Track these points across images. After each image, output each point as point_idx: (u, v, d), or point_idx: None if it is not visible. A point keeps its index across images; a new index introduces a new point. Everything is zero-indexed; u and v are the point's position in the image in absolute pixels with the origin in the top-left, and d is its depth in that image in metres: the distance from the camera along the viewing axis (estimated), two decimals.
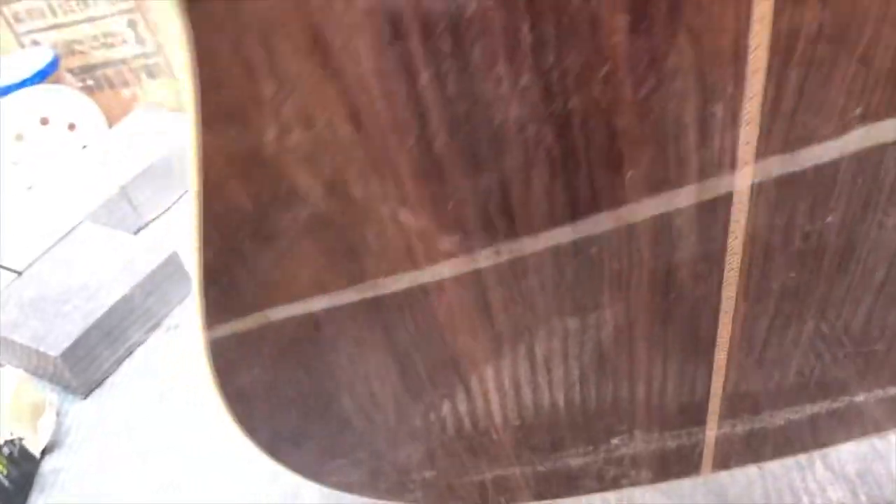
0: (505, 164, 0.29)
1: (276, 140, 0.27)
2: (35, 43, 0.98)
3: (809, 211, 0.32)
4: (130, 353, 0.71)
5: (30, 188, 0.89)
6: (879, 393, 0.45)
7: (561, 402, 0.41)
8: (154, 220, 0.87)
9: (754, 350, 0.39)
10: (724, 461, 0.50)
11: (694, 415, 0.44)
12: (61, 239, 0.77)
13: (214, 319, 0.34)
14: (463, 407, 0.40)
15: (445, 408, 0.40)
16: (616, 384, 0.40)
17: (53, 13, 0.94)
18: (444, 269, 0.32)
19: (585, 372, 0.39)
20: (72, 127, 0.97)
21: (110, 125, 0.98)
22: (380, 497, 0.48)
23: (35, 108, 0.94)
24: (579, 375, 0.39)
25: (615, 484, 0.51)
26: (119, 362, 0.70)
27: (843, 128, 0.29)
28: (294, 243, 0.31)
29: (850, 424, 0.48)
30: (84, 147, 0.96)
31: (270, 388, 0.37)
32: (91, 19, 0.93)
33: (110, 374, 0.69)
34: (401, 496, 0.48)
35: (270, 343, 0.35)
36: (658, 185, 0.30)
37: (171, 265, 0.72)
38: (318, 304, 0.33)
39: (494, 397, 0.40)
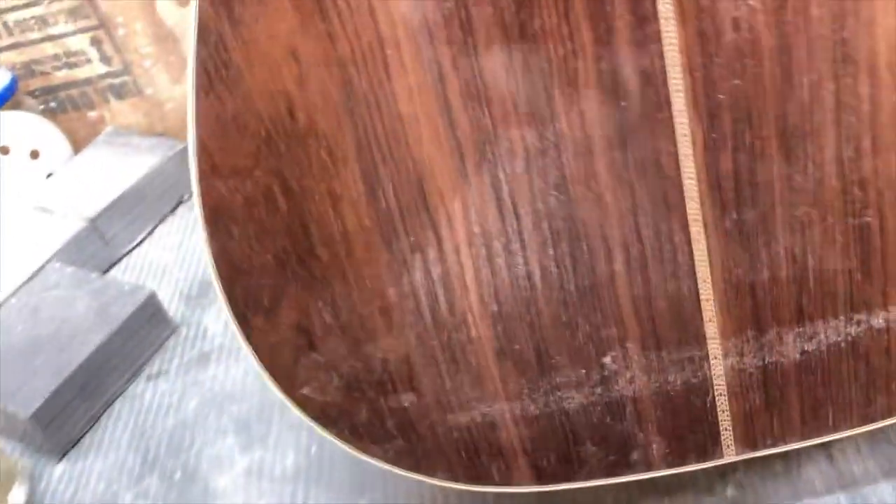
0: None
1: None
2: None
3: None
4: (109, 406, 0.65)
5: None
6: None
7: (537, 275, 0.40)
8: (127, 253, 0.80)
9: (728, 207, 0.39)
10: (747, 433, 0.44)
11: (689, 320, 0.41)
12: (27, 282, 0.71)
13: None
14: (436, 270, 0.40)
15: (418, 270, 0.40)
16: (591, 249, 0.39)
17: (10, 32, 0.87)
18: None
19: (555, 226, 0.39)
20: (34, 154, 0.90)
21: (76, 151, 0.91)
22: (357, 442, 0.44)
23: None
24: (549, 230, 0.39)
25: (626, 465, 0.44)
26: (96, 417, 0.65)
27: None
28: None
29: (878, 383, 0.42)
30: (48, 176, 0.89)
31: (248, 214, 0.39)
32: (51, 38, 0.87)
33: (87, 431, 0.64)
34: (379, 441, 0.44)
35: (249, 141, 0.38)
36: None
37: (150, 307, 0.67)
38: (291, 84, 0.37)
39: (466, 257, 0.40)
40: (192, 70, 0.37)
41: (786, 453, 0.52)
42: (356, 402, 0.43)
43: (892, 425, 0.53)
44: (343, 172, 0.39)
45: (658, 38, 0.36)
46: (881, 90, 0.37)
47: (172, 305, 0.72)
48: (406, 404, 0.43)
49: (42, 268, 0.73)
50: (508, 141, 0.38)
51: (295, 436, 0.60)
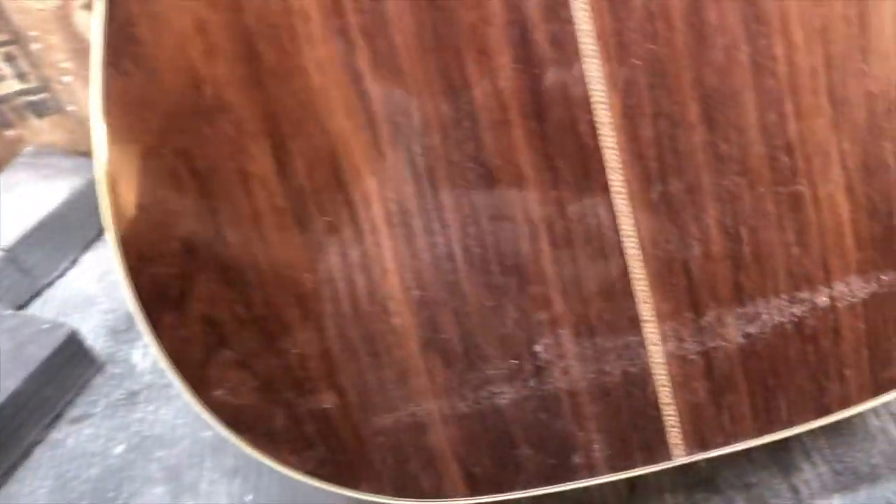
0: None
1: None
2: None
3: None
4: (27, 454, 0.60)
5: None
6: (848, 289, 0.39)
7: (459, 256, 0.38)
8: (49, 285, 0.75)
9: (652, 178, 0.37)
10: (696, 429, 0.40)
11: (621, 301, 0.39)
12: None
13: None
14: (353, 252, 0.38)
15: (334, 253, 0.38)
16: (513, 226, 0.38)
17: None
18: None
19: (475, 201, 0.37)
20: None
21: None
22: (275, 451, 0.40)
23: None
24: (469, 206, 0.38)
25: (567, 469, 0.41)
26: (14, 468, 0.60)
27: None
28: None
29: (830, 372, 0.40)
30: None
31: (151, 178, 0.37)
32: None
33: (3, 483, 0.59)
34: (298, 449, 0.40)
35: (155, 118, 0.37)
36: None
37: (70, 346, 0.63)
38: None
39: (385, 238, 0.38)
40: (98, 45, 0.37)
41: (748, 489, 0.49)
42: (272, 405, 0.40)
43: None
44: (252, 149, 0.37)
45: (567, 3, 0.36)
46: (797, 51, 0.36)
47: (98, 341, 0.68)
48: (326, 406, 0.40)
49: None
50: (422, 112, 0.37)
51: (227, 483, 0.56)
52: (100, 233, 0.80)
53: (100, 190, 0.38)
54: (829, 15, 0.36)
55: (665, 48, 0.36)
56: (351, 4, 0.36)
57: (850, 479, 0.49)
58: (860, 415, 0.52)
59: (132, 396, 0.63)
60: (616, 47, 0.36)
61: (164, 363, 0.39)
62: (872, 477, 0.49)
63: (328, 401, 0.40)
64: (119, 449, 0.59)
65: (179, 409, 0.60)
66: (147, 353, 0.65)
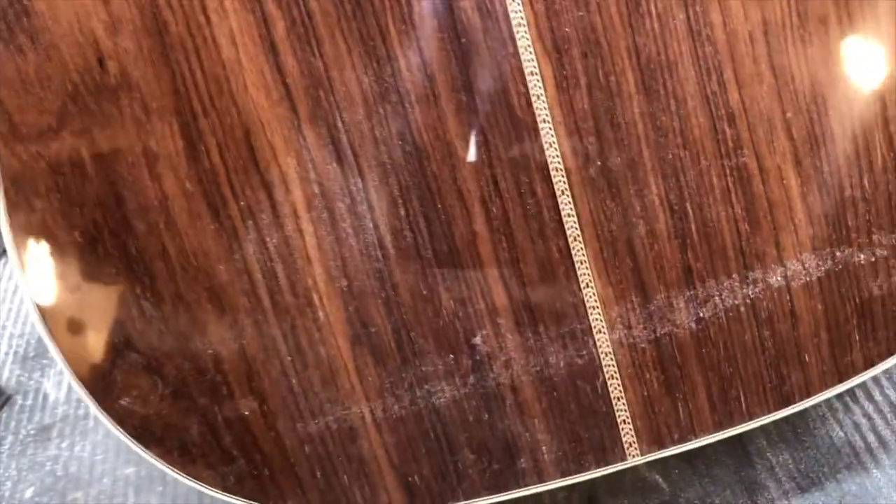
0: None
1: None
2: None
3: None
4: None
5: None
6: (802, 268, 0.37)
7: (388, 241, 0.35)
8: None
9: (590, 153, 0.35)
10: (650, 424, 0.37)
11: (564, 286, 0.36)
12: None
13: None
14: (272, 240, 0.35)
15: (251, 241, 0.35)
16: (446, 207, 0.35)
17: None
18: None
19: (404, 181, 0.35)
20: None
21: None
22: (189, 466, 0.36)
23: None
24: (398, 186, 0.35)
25: (513, 475, 0.37)
26: None
27: None
28: None
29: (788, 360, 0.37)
30: None
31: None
32: None
33: None
34: (215, 463, 0.36)
35: (54, 97, 0.34)
36: None
37: None
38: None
39: (306, 223, 0.35)
40: None
41: None
42: (185, 413, 0.36)
43: None
44: (160, 127, 0.34)
45: None
46: (733, 17, 0.35)
47: (5, 370, 0.63)
48: (246, 413, 0.36)
49: None
50: (344, 85, 0.34)
51: None
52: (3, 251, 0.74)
53: None
54: None
55: (597, 16, 0.34)
56: None
57: (816, 497, 0.46)
58: (825, 427, 0.50)
59: (44, 431, 0.57)
60: (546, 16, 0.34)
61: (65, 369, 0.36)
62: (839, 493, 0.46)
63: (247, 407, 0.36)
64: (29, 492, 0.54)
65: (98, 444, 0.55)
66: (62, 382, 0.60)
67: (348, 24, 0.34)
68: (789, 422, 0.50)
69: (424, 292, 0.36)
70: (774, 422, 0.43)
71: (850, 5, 0.35)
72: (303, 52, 0.34)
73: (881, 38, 0.36)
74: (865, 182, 0.36)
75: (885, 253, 0.37)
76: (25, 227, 0.35)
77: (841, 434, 0.50)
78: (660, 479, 0.47)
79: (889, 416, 0.50)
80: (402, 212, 0.35)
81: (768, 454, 0.49)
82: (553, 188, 0.35)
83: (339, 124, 0.35)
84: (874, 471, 0.47)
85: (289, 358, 0.36)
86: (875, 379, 0.52)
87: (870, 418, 0.50)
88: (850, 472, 0.47)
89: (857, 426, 0.50)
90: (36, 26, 0.34)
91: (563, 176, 0.35)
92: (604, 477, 0.38)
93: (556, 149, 0.35)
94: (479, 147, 0.35)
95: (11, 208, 0.34)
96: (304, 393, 0.36)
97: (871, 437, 0.49)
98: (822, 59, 0.35)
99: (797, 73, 0.35)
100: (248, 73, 0.34)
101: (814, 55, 0.35)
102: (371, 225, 0.35)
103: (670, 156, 0.35)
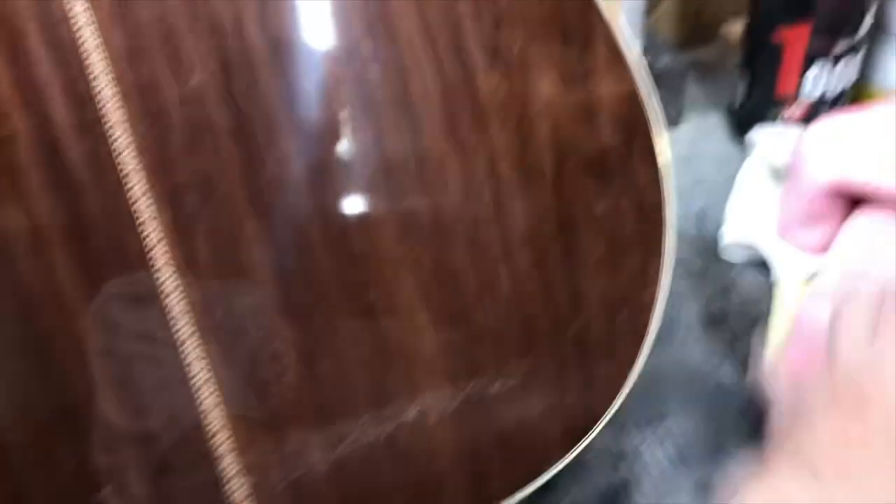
0: None
1: None
2: None
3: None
4: None
5: None
6: (436, 401, 0.37)
7: None
8: None
9: (211, 301, 0.35)
10: None
11: (193, 435, 0.35)
12: None
13: None
14: None
15: None
16: (60, 370, 0.34)
17: None
18: None
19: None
20: None
21: None
22: None
23: None
24: None
25: None
26: None
27: None
28: None
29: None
30: None
31: None
32: None
33: None
34: None
35: None
36: None
37: None
38: None
39: None
40: None
41: None
42: None
43: None
44: None
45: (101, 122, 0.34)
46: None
47: None
48: None
49: None
50: None
51: None
52: None
53: None
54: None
55: (211, 158, 0.34)
56: None
57: None
58: None
59: None
60: (159, 162, 0.34)
61: None
62: None
63: None
64: None
65: None
66: None
67: None
68: None
69: (42, 455, 0.34)
70: None
71: None
72: None
73: None
74: (491, 311, 0.37)
75: (516, 381, 0.38)
76: None
77: None
78: None
79: None
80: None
81: None
82: (175, 338, 0.35)
83: None
84: None
85: None
86: None
87: None
88: None
89: None
90: None
91: (188, 325, 0.35)
92: None
93: (177, 296, 0.35)
94: (89, 297, 0.34)
95: None
96: None
97: None
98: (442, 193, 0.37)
99: (418, 210, 0.36)
100: None
101: (435, 198, 0.36)
102: None
103: (295, 299, 0.36)
